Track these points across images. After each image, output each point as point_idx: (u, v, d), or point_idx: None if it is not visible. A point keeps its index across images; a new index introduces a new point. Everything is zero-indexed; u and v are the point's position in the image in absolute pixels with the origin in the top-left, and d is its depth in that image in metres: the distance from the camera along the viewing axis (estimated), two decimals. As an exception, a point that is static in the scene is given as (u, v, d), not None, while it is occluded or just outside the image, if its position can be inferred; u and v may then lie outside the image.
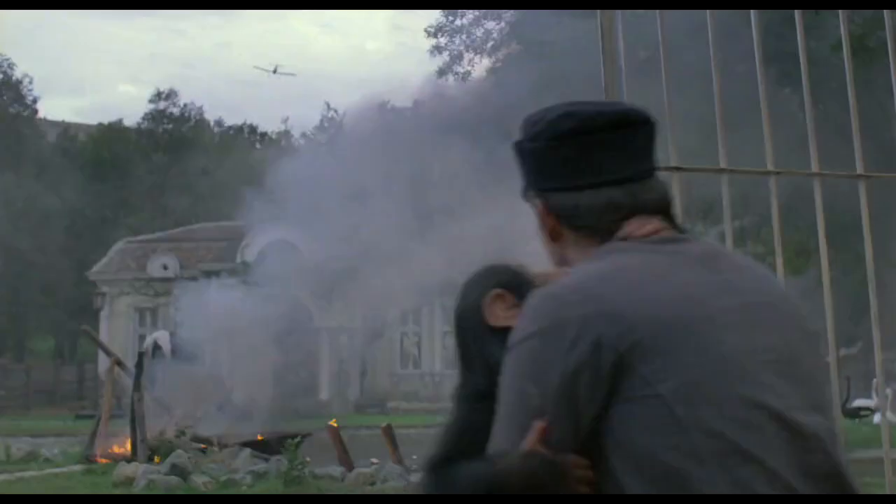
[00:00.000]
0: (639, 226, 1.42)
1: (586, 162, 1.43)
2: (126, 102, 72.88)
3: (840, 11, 2.46)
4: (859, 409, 17.78)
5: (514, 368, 1.34)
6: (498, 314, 1.50)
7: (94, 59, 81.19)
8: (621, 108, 1.51)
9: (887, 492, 2.30)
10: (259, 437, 15.03)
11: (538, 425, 1.28)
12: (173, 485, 11.64)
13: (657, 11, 2.24)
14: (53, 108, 79.20)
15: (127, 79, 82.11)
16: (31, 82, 42.52)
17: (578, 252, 1.44)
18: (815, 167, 2.34)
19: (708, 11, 2.27)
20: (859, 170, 2.39)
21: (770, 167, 2.30)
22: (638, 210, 1.42)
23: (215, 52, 78.09)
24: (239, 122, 43.27)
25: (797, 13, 2.34)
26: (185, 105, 43.29)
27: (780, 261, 2.31)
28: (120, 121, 43.66)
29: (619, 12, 2.10)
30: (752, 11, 2.29)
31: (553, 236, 1.49)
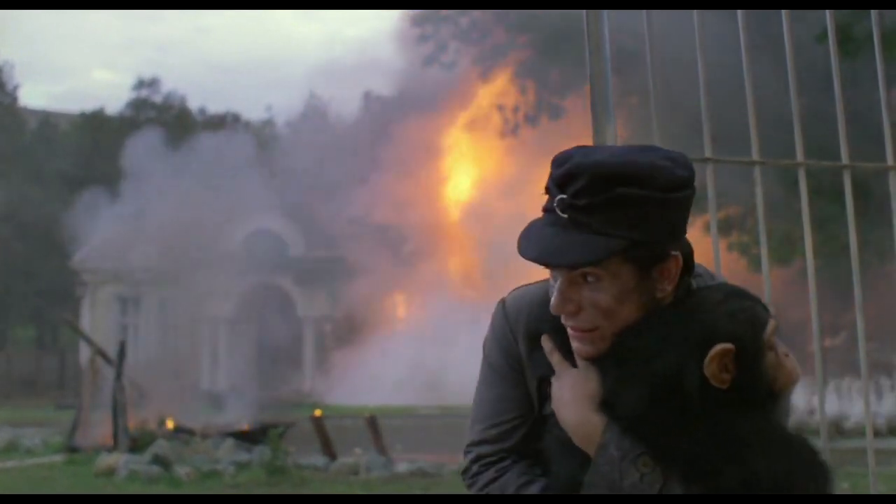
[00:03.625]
0: None
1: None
2: (103, 89, 72.21)
3: (827, 11, 2.46)
4: None
5: None
6: (714, 371, 1.39)
7: (69, 44, 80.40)
8: None
9: (871, 481, 2.31)
10: (245, 428, 14.99)
11: None
12: (155, 475, 11.62)
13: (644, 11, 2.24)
14: (29, 94, 78.51)
15: (102, 64, 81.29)
16: (11, 69, 42.22)
17: (659, 299, 1.46)
18: (800, 157, 2.34)
19: (695, 11, 2.27)
20: (844, 160, 2.38)
21: (755, 157, 2.29)
22: None
23: (193, 38, 77.44)
24: (221, 109, 43.20)
25: (784, 13, 2.34)
26: (168, 93, 43.11)
27: (764, 250, 2.30)
28: (101, 109, 43.42)
29: (605, 12, 2.09)
30: (738, 11, 2.29)
31: (662, 289, 1.46)
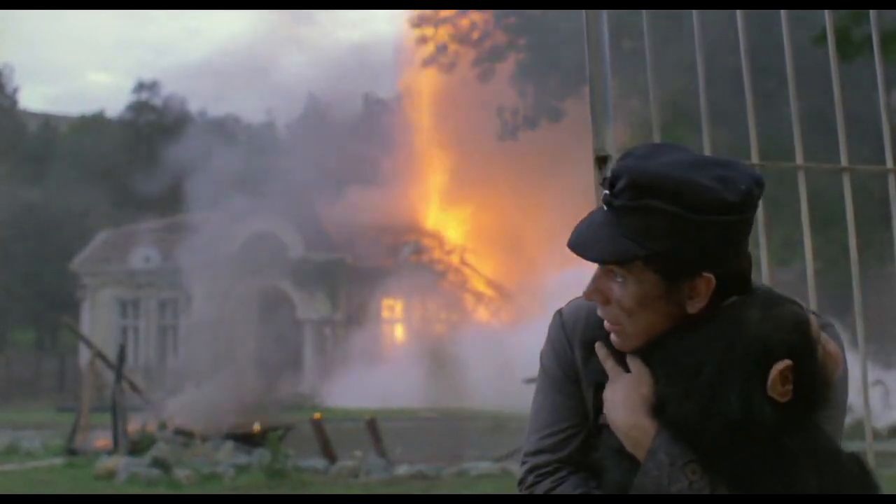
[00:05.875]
0: None
1: (751, 227, 1.47)
2: (99, 91, 72.08)
3: (826, 11, 2.46)
4: None
5: None
6: (780, 390, 1.38)
7: (63, 47, 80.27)
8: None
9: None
10: (257, 428, 14.98)
11: None
12: (155, 477, 11.61)
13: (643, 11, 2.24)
14: (26, 97, 78.47)
15: (98, 67, 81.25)
16: (11, 72, 42.26)
17: (691, 313, 1.45)
18: (799, 159, 2.34)
19: (694, 11, 2.26)
20: (843, 162, 2.38)
21: (754, 159, 2.29)
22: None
23: (188, 39, 77.14)
24: (219, 112, 43.21)
25: (783, 13, 2.34)
26: (167, 96, 43.16)
27: (764, 253, 2.29)
28: (101, 112, 43.46)
29: (604, 12, 2.09)
30: (738, 12, 2.29)
31: (691, 305, 1.45)
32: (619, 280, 1.45)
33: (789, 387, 1.37)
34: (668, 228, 1.40)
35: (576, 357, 1.58)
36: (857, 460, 1.43)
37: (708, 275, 1.43)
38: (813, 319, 1.42)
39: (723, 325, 1.41)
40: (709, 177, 1.41)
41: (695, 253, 1.42)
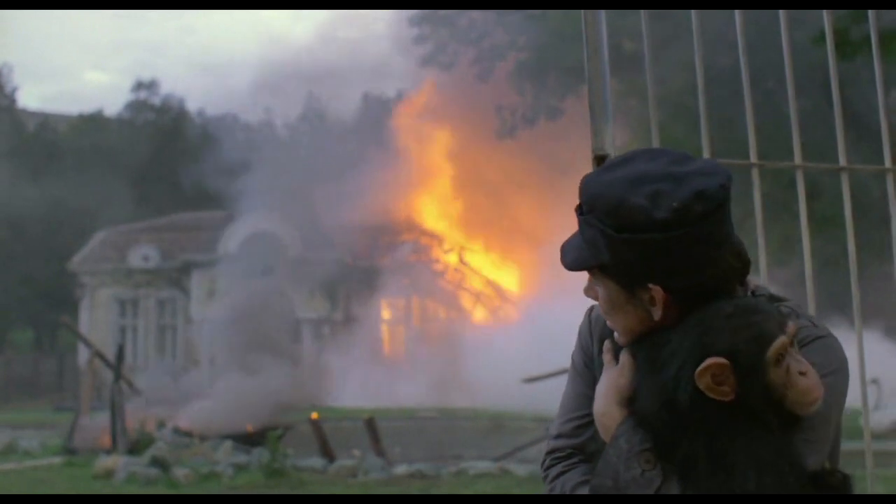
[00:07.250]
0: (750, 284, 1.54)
1: (713, 238, 1.43)
2: (95, 90, 71.90)
3: (825, 11, 2.46)
4: None
5: None
6: (708, 384, 1.39)
7: (59, 46, 80.00)
8: (725, 171, 1.46)
9: (868, 483, 2.31)
10: (249, 429, 14.99)
11: None
12: (153, 477, 11.61)
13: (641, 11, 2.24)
14: (24, 96, 78.32)
15: (93, 66, 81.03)
16: (10, 72, 42.24)
17: (673, 315, 1.47)
18: (798, 159, 2.34)
19: (693, 11, 2.26)
20: (842, 162, 2.38)
21: (753, 159, 2.30)
22: (747, 272, 1.50)
23: (182, 39, 76.89)
24: (218, 111, 43.19)
25: (782, 13, 2.34)
26: (166, 95, 43.14)
27: (762, 253, 2.30)
28: (100, 111, 43.46)
29: (602, 12, 2.09)
30: (736, 12, 2.29)
31: (654, 312, 1.48)
32: (595, 283, 1.54)
33: (726, 388, 1.38)
34: (602, 242, 1.46)
35: (594, 349, 1.67)
36: (823, 477, 1.42)
37: (655, 287, 1.45)
38: (781, 341, 1.39)
39: (691, 322, 1.44)
40: (641, 195, 1.41)
41: (634, 267, 1.45)
